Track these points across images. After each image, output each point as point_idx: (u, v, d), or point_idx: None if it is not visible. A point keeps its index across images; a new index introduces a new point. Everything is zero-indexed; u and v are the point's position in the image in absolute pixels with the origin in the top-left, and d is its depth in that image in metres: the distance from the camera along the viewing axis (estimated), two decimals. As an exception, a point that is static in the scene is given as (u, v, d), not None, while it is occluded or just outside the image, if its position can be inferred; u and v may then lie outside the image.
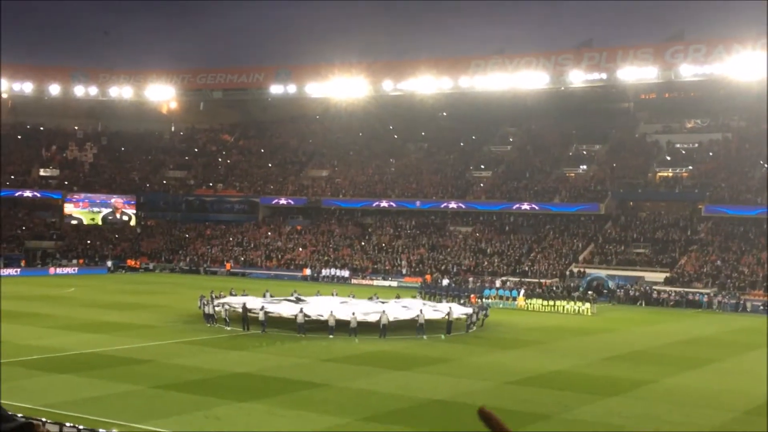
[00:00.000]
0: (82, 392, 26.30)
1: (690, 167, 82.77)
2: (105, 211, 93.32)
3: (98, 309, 49.74)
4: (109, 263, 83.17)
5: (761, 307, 59.57)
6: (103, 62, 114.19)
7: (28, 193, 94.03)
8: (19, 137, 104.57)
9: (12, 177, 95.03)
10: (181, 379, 28.89)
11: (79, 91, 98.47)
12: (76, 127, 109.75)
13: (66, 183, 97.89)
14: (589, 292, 61.15)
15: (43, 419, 18.98)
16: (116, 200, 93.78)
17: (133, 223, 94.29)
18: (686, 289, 63.80)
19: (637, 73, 77.81)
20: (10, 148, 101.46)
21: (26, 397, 24.63)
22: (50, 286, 64.32)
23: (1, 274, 73.59)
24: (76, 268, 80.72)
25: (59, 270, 79.24)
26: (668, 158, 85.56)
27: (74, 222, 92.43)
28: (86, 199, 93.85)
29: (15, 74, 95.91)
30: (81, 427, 18.65)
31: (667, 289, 64.46)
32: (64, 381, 28.15)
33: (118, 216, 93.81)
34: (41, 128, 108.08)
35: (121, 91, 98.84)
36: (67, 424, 18.73)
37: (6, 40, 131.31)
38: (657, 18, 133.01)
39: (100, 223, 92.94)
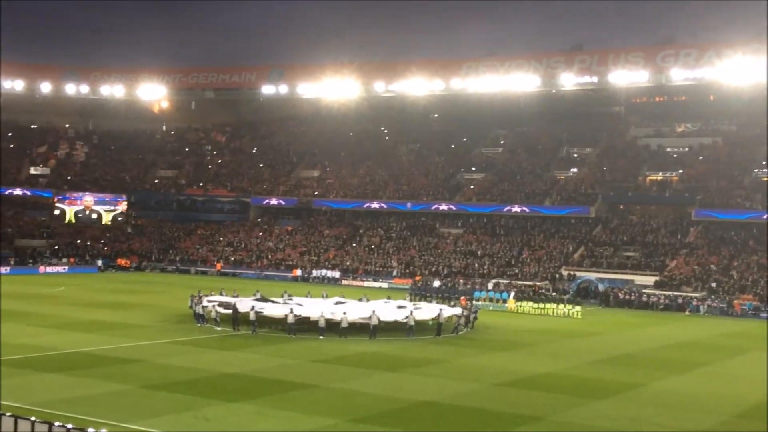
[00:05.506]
0: (71, 391, 26.24)
1: (680, 171, 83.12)
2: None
3: (88, 308, 49.62)
4: (100, 262, 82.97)
5: (750, 312, 59.80)
6: (95, 61, 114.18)
7: (18, 192, 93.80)
8: (10, 135, 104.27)
9: (2, 175, 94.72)
10: (171, 379, 28.86)
11: (71, 89, 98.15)
12: (67, 126, 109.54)
13: (57, 182, 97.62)
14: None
15: (33, 418, 18.95)
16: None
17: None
18: (676, 293, 64.01)
19: (627, 76, 77.92)
20: (1, 147, 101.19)
21: (16, 396, 24.55)
22: (40, 285, 64.11)
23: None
24: (66, 267, 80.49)
25: (49, 269, 79.00)
26: (659, 162, 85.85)
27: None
28: (84, 197, 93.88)
29: (6, 72, 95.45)
30: (70, 426, 18.60)
31: (657, 292, 64.66)
32: (54, 380, 28.07)
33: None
34: (32, 126, 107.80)
35: (113, 90, 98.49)
36: (57, 424, 18.69)
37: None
38: (648, 21, 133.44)
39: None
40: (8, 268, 76.48)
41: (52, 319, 43.57)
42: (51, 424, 18.70)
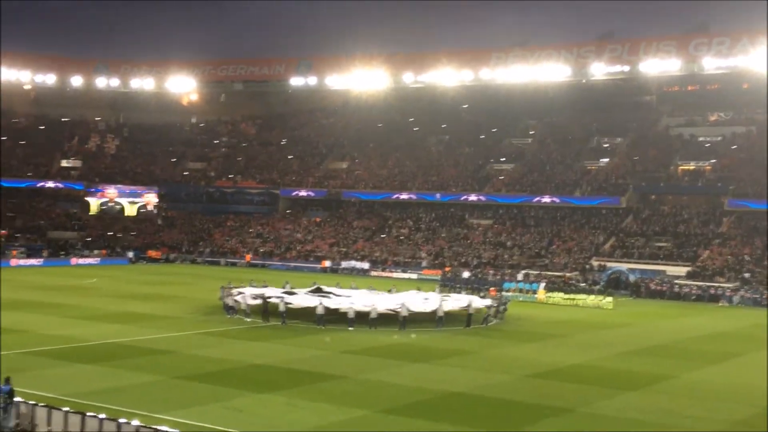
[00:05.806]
0: (104, 382, 26.48)
1: (713, 160, 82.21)
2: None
3: (120, 299, 50.07)
4: (131, 254, 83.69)
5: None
6: (125, 54, 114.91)
7: (50, 184, 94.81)
8: (42, 128, 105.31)
9: (35, 168, 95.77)
10: (202, 369, 29.02)
11: (101, 82, 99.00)
12: (98, 119, 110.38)
13: (88, 174, 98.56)
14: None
15: (66, 408, 19.16)
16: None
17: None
18: (708, 284, 63.38)
19: (659, 65, 77.21)
20: (33, 139, 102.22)
21: (49, 387, 24.81)
22: (72, 277, 64.80)
23: (24, 264, 74.31)
24: (98, 259, 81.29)
25: (81, 260, 79.82)
26: (691, 151, 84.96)
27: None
28: (107, 189, 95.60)
29: (38, 65, 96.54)
30: (103, 416, 18.79)
31: (689, 283, 64.06)
32: (86, 371, 28.34)
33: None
34: (63, 119, 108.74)
35: (143, 83, 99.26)
36: (89, 414, 18.88)
37: (29, 31, 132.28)
38: (680, 10, 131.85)
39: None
40: (41, 259, 77.44)
41: (84, 311, 44.00)
42: (84, 415, 18.91)
